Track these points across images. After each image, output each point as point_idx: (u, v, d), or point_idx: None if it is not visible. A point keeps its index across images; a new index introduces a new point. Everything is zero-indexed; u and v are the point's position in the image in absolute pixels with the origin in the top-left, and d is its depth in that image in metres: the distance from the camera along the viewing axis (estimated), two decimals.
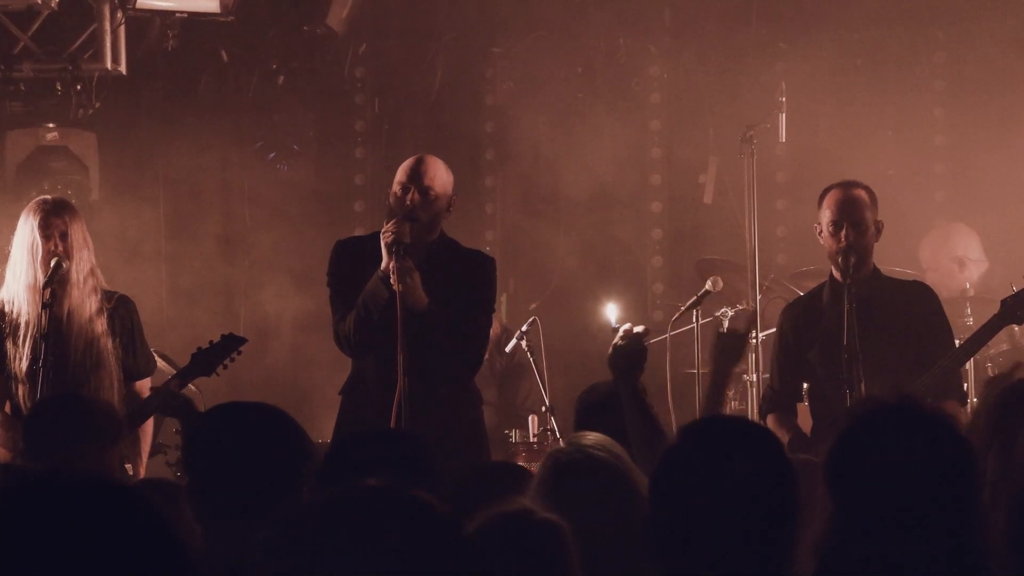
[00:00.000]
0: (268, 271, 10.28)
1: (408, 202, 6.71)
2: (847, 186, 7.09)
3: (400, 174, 6.83)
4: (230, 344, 6.98)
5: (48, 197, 7.19)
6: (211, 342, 6.97)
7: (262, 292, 10.33)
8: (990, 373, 8.76)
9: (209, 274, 10.28)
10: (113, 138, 9.99)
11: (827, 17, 10.39)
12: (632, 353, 5.19)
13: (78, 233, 6.99)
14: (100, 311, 7.00)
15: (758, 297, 8.52)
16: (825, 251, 7.16)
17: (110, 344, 7.01)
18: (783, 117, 8.82)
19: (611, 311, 5.63)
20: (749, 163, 8.53)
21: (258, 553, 2.29)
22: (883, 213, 7.20)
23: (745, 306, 8.84)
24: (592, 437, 4.04)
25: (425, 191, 6.76)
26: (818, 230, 7.09)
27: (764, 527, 3.00)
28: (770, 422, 7.14)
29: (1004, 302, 7.06)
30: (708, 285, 8.48)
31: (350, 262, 6.84)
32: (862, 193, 7.05)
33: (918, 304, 7.16)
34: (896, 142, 10.32)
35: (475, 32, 10.57)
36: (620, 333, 5.25)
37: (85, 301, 6.96)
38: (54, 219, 6.94)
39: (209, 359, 6.95)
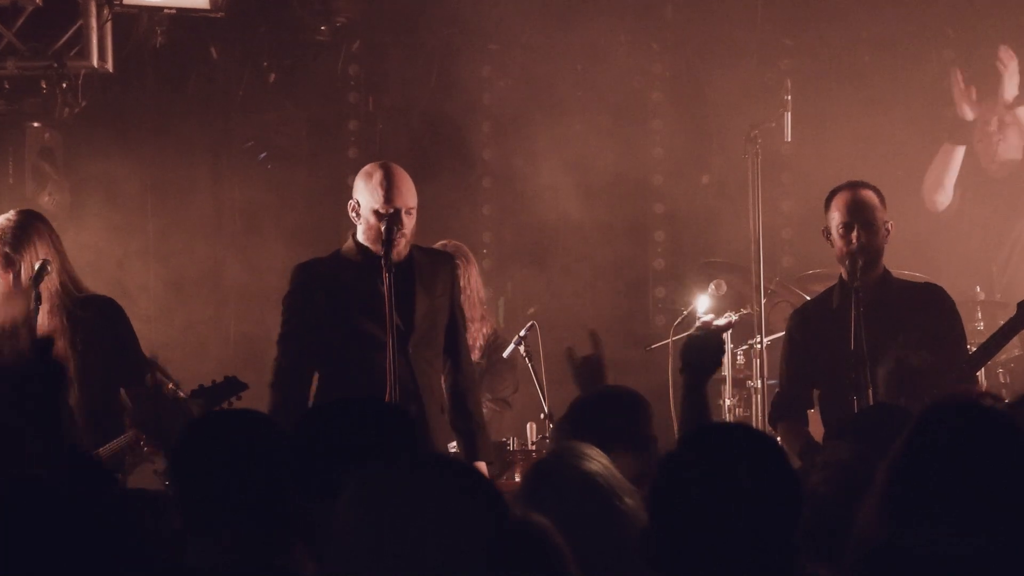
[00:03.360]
0: (259, 272, 10.18)
1: (400, 225, 6.62)
2: (856, 187, 7.02)
3: (380, 193, 6.66)
4: (232, 387, 6.82)
5: (10, 215, 6.95)
6: (213, 381, 6.80)
7: (253, 293, 10.20)
8: (1001, 380, 8.69)
9: (199, 275, 10.18)
10: (100, 137, 9.87)
11: (834, 13, 10.31)
12: (705, 348, 4.84)
13: (38, 252, 6.79)
14: (62, 331, 6.80)
15: (763, 301, 8.46)
16: (833, 254, 7.08)
17: (72, 364, 6.79)
18: (788, 116, 8.78)
19: (701, 302, 5.48)
20: (754, 163, 8.48)
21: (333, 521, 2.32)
22: (892, 214, 7.10)
23: (749, 310, 8.78)
24: (579, 447, 4.00)
25: (411, 211, 6.69)
26: (826, 233, 7.01)
27: (766, 534, 2.99)
28: (780, 430, 7.07)
29: (1021, 305, 6.94)
30: (711, 288, 8.41)
31: (311, 289, 6.75)
32: (871, 194, 6.99)
33: (931, 307, 7.09)
34: (904, 141, 10.20)
35: (471, 29, 10.46)
36: (698, 324, 5.01)
37: (46, 321, 6.78)
38: (7, 251, 6.77)
39: (208, 398, 6.78)
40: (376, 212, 6.63)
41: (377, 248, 6.61)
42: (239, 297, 10.43)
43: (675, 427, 7.94)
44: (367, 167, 6.79)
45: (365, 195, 6.67)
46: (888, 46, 10.40)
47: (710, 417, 4.76)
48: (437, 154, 10.58)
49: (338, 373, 6.68)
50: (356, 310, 6.70)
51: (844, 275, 7.04)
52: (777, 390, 7.38)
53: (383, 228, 6.56)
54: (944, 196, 9.80)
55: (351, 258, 6.75)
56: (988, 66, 10.19)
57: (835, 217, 6.96)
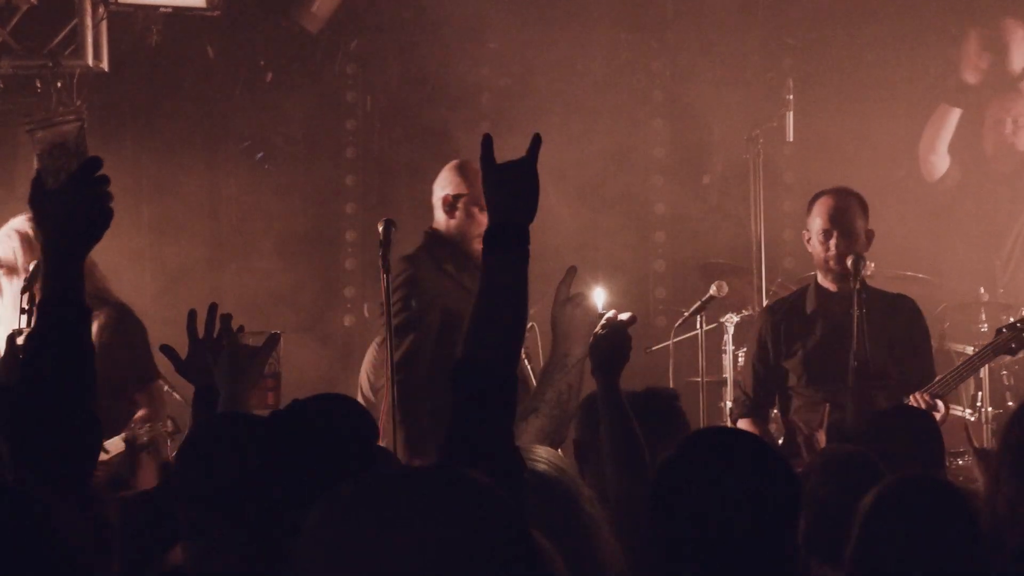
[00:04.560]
0: (256, 272, 10.12)
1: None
2: (838, 193, 7.07)
3: (468, 187, 6.98)
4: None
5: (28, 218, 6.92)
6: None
7: (250, 295, 10.14)
8: (1005, 382, 8.64)
9: (195, 275, 10.12)
10: (94, 137, 9.80)
11: (836, 12, 10.24)
12: (614, 345, 4.83)
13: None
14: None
15: (764, 302, 8.41)
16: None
17: None
18: (791, 116, 8.75)
19: (598, 295, 5.39)
20: (755, 163, 8.43)
21: (303, 539, 2.10)
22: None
23: (751, 311, 8.75)
24: (536, 451, 3.89)
25: None
26: (806, 237, 7.07)
27: (767, 536, 2.98)
28: (743, 427, 7.06)
29: (999, 331, 7.01)
30: (713, 290, 8.41)
31: (421, 280, 6.89)
32: (852, 201, 7.03)
33: (902, 317, 7.14)
34: (908, 141, 10.15)
35: (470, 28, 10.39)
36: (603, 321, 4.97)
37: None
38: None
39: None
40: (481, 207, 6.86)
41: (473, 242, 6.85)
42: (236, 296, 10.37)
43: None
44: (463, 163, 7.10)
45: (473, 189, 6.91)
46: (891, 44, 10.34)
47: (630, 418, 4.70)
48: (434, 154, 10.51)
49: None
50: (466, 303, 6.86)
51: (820, 280, 7.09)
52: (740, 388, 7.44)
53: (481, 223, 6.74)
54: (938, 159, 9.77)
55: (449, 252, 6.87)
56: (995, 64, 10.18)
57: (816, 223, 7.03)
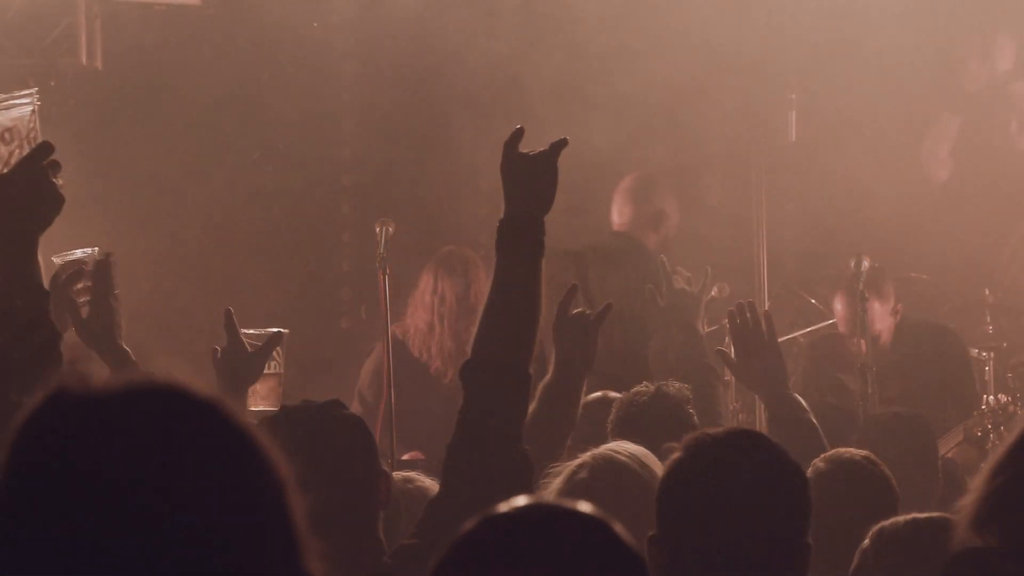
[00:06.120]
0: (251, 276, 10.05)
1: None
2: (856, 300, 6.92)
3: None
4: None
5: None
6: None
7: (245, 297, 10.07)
8: (1011, 384, 8.61)
9: (189, 278, 10.06)
10: (88, 136, 9.76)
11: (841, 9, 10.17)
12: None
13: None
14: None
15: (766, 304, 8.38)
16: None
17: None
18: (793, 115, 8.67)
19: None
20: (757, 163, 8.40)
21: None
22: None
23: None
24: (623, 444, 3.95)
25: None
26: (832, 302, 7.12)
27: (777, 537, 2.98)
28: None
29: None
30: (714, 292, 8.34)
31: None
32: (873, 304, 6.92)
33: (939, 352, 7.05)
34: (912, 141, 10.11)
35: (469, 28, 10.33)
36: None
37: None
38: None
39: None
40: None
41: None
42: (231, 298, 10.27)
43: None
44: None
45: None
46: (898, 42, 10.27)
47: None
48: (436, 156, 10.45)
49: None
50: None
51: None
52: None
53: None
54: (941, 164, 9.74)
55: None
56: None
57: (838, 313, 7.03)
